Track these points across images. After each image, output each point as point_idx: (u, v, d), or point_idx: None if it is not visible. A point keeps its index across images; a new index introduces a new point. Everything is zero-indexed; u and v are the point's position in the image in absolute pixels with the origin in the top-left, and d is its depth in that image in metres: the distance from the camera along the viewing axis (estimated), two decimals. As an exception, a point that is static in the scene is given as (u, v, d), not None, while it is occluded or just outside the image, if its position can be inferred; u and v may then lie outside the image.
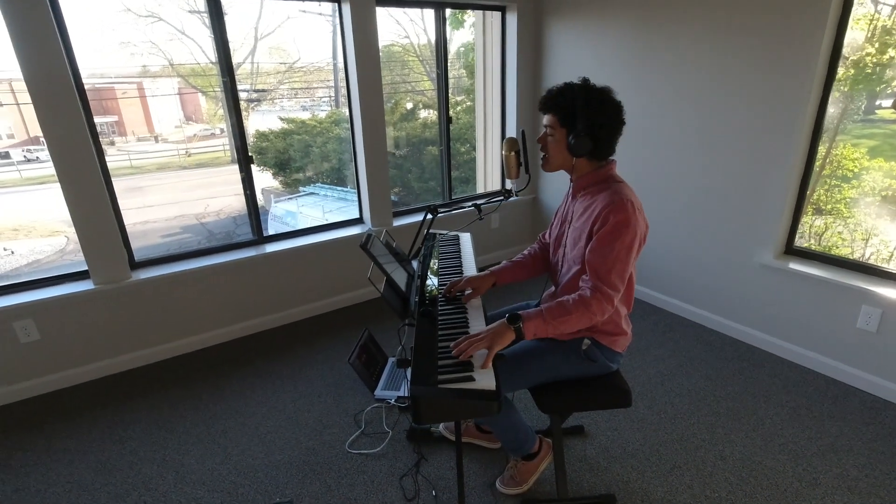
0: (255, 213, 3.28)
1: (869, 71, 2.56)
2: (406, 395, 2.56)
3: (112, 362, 2.89)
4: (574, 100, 1.50)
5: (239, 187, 3.21)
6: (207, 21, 2.94)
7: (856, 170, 2.67)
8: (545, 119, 1.60)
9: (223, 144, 3.95)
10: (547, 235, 1.92)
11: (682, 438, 2.24)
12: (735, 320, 3.03)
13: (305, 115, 4.21)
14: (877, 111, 2.71)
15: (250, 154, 3.15)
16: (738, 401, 2.48)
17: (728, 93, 2.76)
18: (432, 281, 1.89)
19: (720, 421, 2.34)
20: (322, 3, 3.48)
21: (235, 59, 2.93)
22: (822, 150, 2.56)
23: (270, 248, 3.29)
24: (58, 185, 2.54)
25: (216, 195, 3.98)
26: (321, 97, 4.28)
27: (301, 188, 4.46)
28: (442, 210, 2.00)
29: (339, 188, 4.35)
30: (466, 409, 1.31)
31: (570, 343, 1.68)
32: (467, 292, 1.81)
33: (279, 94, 3.97)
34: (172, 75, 3.35)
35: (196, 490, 2.06)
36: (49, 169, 2.52)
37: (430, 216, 1.99)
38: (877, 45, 2.52)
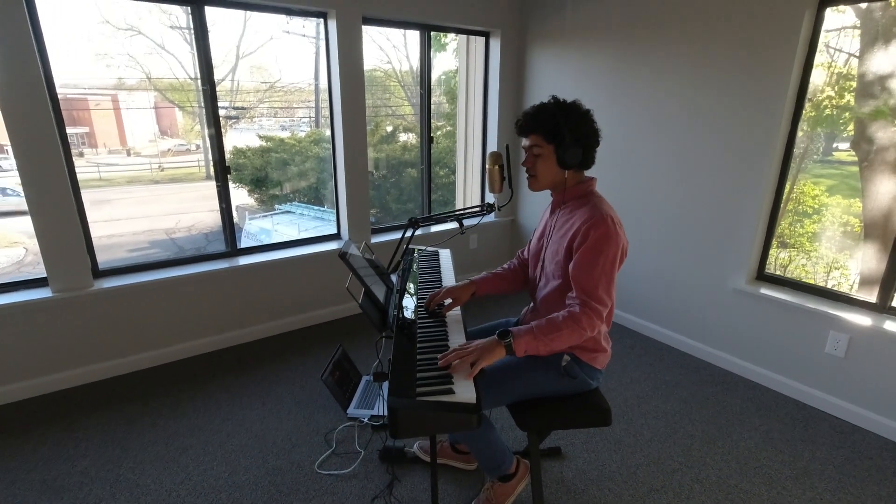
0: (229, 224, 3.20)
1: (829, 112, 2.71)
2: (380, 413, 2.48)
3: (66, 375, 2.72)
4: (554, 115, 1.53)
5: (212, 203, 3.12)
6: (188, 37, 2.91)
7: (816, 206, 2.79)
8: (527, 141, 1.61)
9: (198, 160, 3.87)
10: (526, 252, 1.92)
11: (659, 461, 2.22)
12: (709, 345, 3.06)
13: (285, 134, 4.17)
14: (833, 153, 2.86)
15: (227, 164, 3.08)
16: (713, 424, 2.48)
17: (703, 124, 2.86)
18: (410, 302, 1.85)
19: (696, 444, 2.33)
20: (306, 25, 3.51)
21: (216, 76, 2.90)
22: (786, 186, 2.67)
23: (244, 260, 3.20)
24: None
25: (188, 210, 3.87)
26: (301, 117, 4.26)
27: (277, 206, 4.39)
28: (423, 223, 1.98)
29: (315, 207, 4.29)
30: (446, 422, 1.26)
31: (550, 359, 1.66)
32: (447, 302, 1.78)
33: (258, 112, 3.93)
34: (149, 89, 3.28)
35: (151, 513, 1.92)
36: (12, 178, 2.40)
37: (411, 229, 1.97)
38: (836, 88, 2.67)
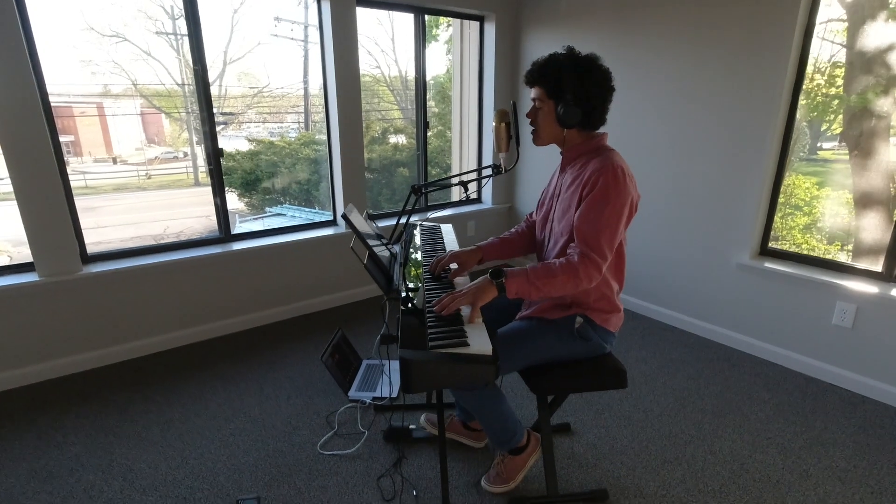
0: (223, 210, 3.11)
1: (819, 100, 2.72)
2: (383, 395, 2.41)
3: (55, 364, 2.62)
4: (560, 70, 1.47)
5: (201, 209, 3.04)
6: (175, 43, 2.84)
7: (807, 198, 2.81)
8: (532, 92, 1.56)
9: (186, 167, 3.78)
10: (534, 215, 1.87)
11: (671, 435, 2.17)
12: (714, 323, 3.03)
13: (274, 137, 4.10)
14: (818, 152, 2.89)
15: (220, 147, 3.01)
16: (722, 399, 2.44)
17: (701, 103, 2.84)
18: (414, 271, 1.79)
19: (706, 418, 2.29)
20: (294, 28, 3.45)
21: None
22: (787, 161, 2.66)
23: (238, 246, 3.11)
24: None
25: (176, 217, 3.79)
26: (290, 123, 4.17)
27: (268, 209, 4.29)
28: (428, 188, 1.92)
29: (307, 209, 4.21)
30: (462, 374, 1.20)
31: (563, 321, 1.61)
32: (452, 268, 1.72)
33: (246, 118, 3.84)
34: (135, 96, 3.18)
35: (146, 497, 1.83)
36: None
37: (413, 196, 1.91)
38: (825, 77, 2.69)
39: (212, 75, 2.95)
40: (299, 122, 4.12)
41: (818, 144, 2.89)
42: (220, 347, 2.96)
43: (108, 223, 3.45)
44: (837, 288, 2.47)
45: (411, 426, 2.17)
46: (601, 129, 1.59)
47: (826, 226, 2.86)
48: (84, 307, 2.65)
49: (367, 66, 4.18)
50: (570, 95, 1.46)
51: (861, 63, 2.57)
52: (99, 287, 2.67)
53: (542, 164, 3.98)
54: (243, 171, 3.92)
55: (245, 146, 3.85)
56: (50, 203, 2.46)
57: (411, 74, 3.92)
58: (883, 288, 2.36)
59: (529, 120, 1.59)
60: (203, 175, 3.30)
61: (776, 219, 2.79)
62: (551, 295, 1.46)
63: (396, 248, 2.01)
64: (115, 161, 3.51)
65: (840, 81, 2.69)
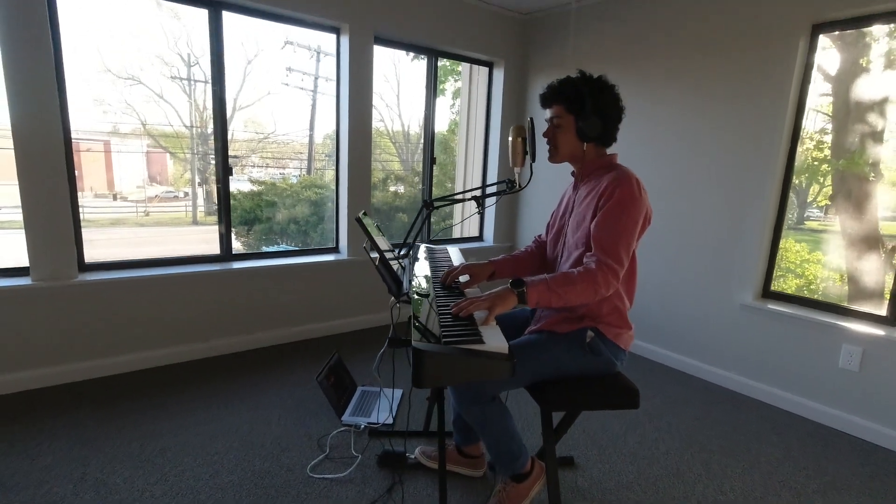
0: (227, 226, 3.10)
1: (809, 163, 2.85)
2: (378, 420, 2.30)
3: (38, 374, 2.50)
4: (578, 87, 1.53)
5: (197, 247, 3.03)
6: (187, 87, 2.94)
7: (798, 261, 2.87)
8: (549, 112, 1.61)
9: (186, 206, 3.81)
10: (544, 235, 1.87)
11: (678, 473, 2.07)
12: (719, 366, 2.97)
13: (276, 180, 4.15)
14: (805, 222, 3.00)
15: (229, 165, 3.04)
16: (730, 440, 2.35)
17: (704, 149, 2.93)
18: (423, 281, 1.76)
19: (714, 458, 2.20)
20: (304, 78, 3.60)
21: (209, 129, 2.90)
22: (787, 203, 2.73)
23: (238, 265, 3.08)
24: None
25: (172, 253, 3.78)
26: (292, 169, 4.23)
27: (264, 247, 4.27)
28: (438, 203, 1.93)
29: (303, 248, 4.19)
30: (476, 369, 1.15)
31: (573, 335, 1.57)
32: (463, 279, 1.70)
33: (250, 161, 3.90)
34: (143, 135, 3.24)
35: (120, 511, 1.70)
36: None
37: (425, 210, 1.91)
38: (814, 142, 2.83)
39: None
40: (301, 169, 4.18)
41: (805, 214, 2.99)
42: (213, 366, 2.85)
43: (101, 256, 3.40)
44: (843, 330, 2.45)
45: (406, 453, 2.06)
46: (611, 150, 1.64)
47: (819, 287, 2.92)
48: (76, 316, 2.56)
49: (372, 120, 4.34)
50: (589, 107, 1.50)
51: (845, 130, 2.72)
52: (93, 296, 2.60)
53: (543, 205, 4.04)
54: (243, 210, 3.92)
55: (247, 187, 3.88)
56: (53, 206, 2.44)
57: (414, 129, 4.06)
58: (889, 331, 2.34)
59: (546, 139, 1.63)
60: (202, 215, 3.31)
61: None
62: (572, 303, 1.44)
63: (406, 263, 1.99)
64: (115, 197, 3.52)
65: (827, 149, 2.85)
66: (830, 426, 2.52)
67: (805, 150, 2.76)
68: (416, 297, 1.50)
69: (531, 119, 1.70)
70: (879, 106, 2.59)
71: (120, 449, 2.04)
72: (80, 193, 3.02)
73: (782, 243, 2.78)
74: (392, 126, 4.55)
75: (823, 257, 2.89)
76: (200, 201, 3.73)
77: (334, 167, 3.54)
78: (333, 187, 3.57)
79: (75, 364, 2.60)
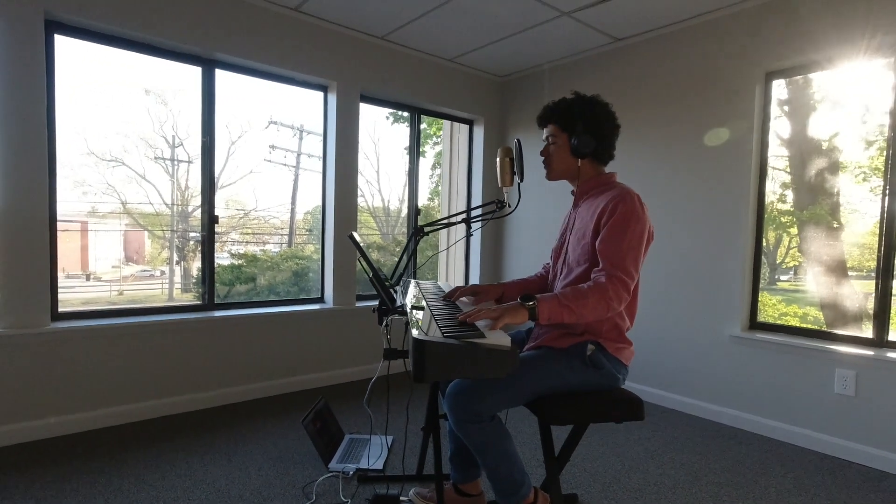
0: (209, 276, 3.04)
1: (775, 215, 3.03)
2: (369, 466, 2.16)
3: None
4: (571, 106, 1.62)
5: None
6: (170, 168, 3.04)
7: (775, 315, 2.97)
8: (545, 132, 1.70)
9: (162, 284, 3.76)
10: (551, 263, 1.88)
11: (689, 506, 1.96)
12: (715, 402, 2.92)
13: (256, 250, 4.14)
14: (777, 283, 3.15)
15: (215, 213, 3.04)
16: (736, 472, 2.26)
17: (678, 198, 3.07)
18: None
19: (723, 490, 2.09)
20: (287, 155, 3.70)
21: (190, 207, 2.99)
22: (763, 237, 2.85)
23: (220, 313, 2.99)
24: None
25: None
26: (272, 245, 4.23)
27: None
28: (428, 228, 1.94)
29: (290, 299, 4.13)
30: (480, 364, 1.11)
31: (573, 349, 1.54)
32: (466, 299, 1.68)
33: (230, 238, 3.90)
34: (122, 214, 3.22)
35: (79, 569, 1.51)
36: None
37: (416, 236, 1.92)
38: (778, 194, 3.03)
39: (199, 201, 3.05)
40: (282, 244, 4.17)
41: (776, 276, 3.13)
42: (188, 421, 2.67)
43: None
44: (834, 354, 2.46)
45: (399, 495, 1.92)
46: (609, 169, 1.70)
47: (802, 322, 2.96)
48: (44, 368, 2.41)
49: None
50: (582, 126, 1.58)
51: (804, 186, 2.91)
52: (65, 346, 2.47)
53: (529, 251, 4.10)
54: (221, 283, 3.84)
55: (227, 262, 3.83)
56: (30, 252, 2.38)
57: (394, 205, 4.19)
58: (877, 352, 2.36)
59: (542, 158, 1.70)
60: (178, 292, 3.27)
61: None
62: (585, 318, 1.42)
63: (399, 289, 1.96)
64: (88, 277, 3.45)
65: (791, 202, 3.02)
66: (835, 456, 2.45)
67: (769, 202, 2.90)
68: (412, 309, 1.48)
69: (518, 140, 1.77)
70: (829, 154, 2.80)
71: (82, 505, 1.85)
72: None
73: (760, 297, 2.86)
74: (372, 202, 4.65)
75: (800, 310, 2.97)
76: (178, 278, 3.64)
77: (315, 241, 3.56)
78: (315, 257, 3.58)
79: (36, 421, 2.40)
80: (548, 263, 1.91)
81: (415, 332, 1.12)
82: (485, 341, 1.14)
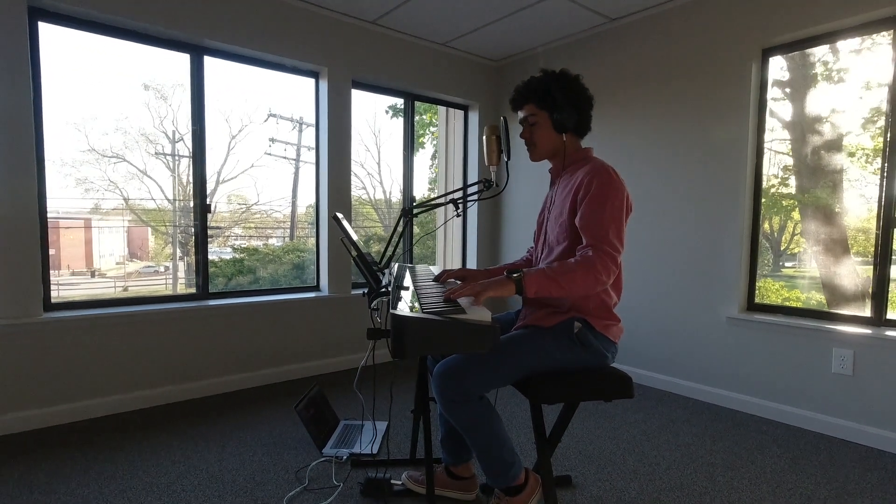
0: (203, 266, 3.03)
1: (777, 198, 2.98)
2: (362, 451, 2.15)
3: (-13, 422, 2.31)
4: (544, 82, 1.59)
5: None
6: (171, 163, 3.01)
7: (779, 301, 2.94)
8: (522, 113, 1.66)
9: (166, 280, 3.75)
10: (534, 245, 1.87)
11: (682, 486, 1.95)
12: (712, 384, 2.90)
13: (258, 244, 4.12)
14: (782, 269, 3.11)
15: (208, 203, 3.02)
16: (732, 453, 2.25)
17: (674, 178, 3.03)
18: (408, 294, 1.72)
19: (718, 471, 2.08)
20: (287, 148, 3.66)
21: (191, 203, 3.00)
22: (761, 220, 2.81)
23: (214, 302, 2.98)
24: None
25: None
26: (275, 240, 4.21)
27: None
28: (417, 210, 1.92)
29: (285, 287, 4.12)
30: (460, 339, 1.09)
31: (560, 327, 1.52)
32: (454, 282, 1.67)
33: (232, 233, 3.88)
34: (125, 211, 3.21)
35: (69, 553, 1.51)
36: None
37: (404, 218, 1.90)
38: (779, 177, 2.98)
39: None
40: (284, 237, 4.16)
41: (780, 263, 3.09)
42: (182, 409, 2.68)
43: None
44: (831, 334, 2.43)
45: (392, 479, 1.91)
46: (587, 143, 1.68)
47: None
48: (36, 359, 2.41)
49: (353, 187, 4.41)
50: (561, 99, 1.55)
51: (805, 168, 2.86)
52: (58, 336, 2.46)
53: (527, 234, 4.07)
54: (224, 276, 3.84)
55: (229, 255, 3.81)
56: (20, 242, 2.37)
57: (395, 197, 4.15)
58: (875, 331, 2.33)
59: (525, 139, 1.67)
60: (182, 287, 3.26)
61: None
62: (573, 292, 1.40)
63: (387, 272, 1.94)
64: (93, 274, 3.45)
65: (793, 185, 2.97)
66: (832, 435, 2.44)
67: (769, 185, 2.86)
68: (395, 288, 1.46)
69: (504, 118, 1.74)
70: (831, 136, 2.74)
71: (75, 492, 1.85)
72: (56, 272, 2.92)
73: (761, 283, 2.83)
74: (374, 194, 4.63)
75: (802, 295, 2.93)
76: (181, 274, 3.64)
77: (315, 232, 3.55)
78: (316, 251, 3.55)
79: (30, 411, 2.41)
80: (531, 247, 1.89)
81: (393, 311, 1.10)
82: (465, 316, 1.12)
